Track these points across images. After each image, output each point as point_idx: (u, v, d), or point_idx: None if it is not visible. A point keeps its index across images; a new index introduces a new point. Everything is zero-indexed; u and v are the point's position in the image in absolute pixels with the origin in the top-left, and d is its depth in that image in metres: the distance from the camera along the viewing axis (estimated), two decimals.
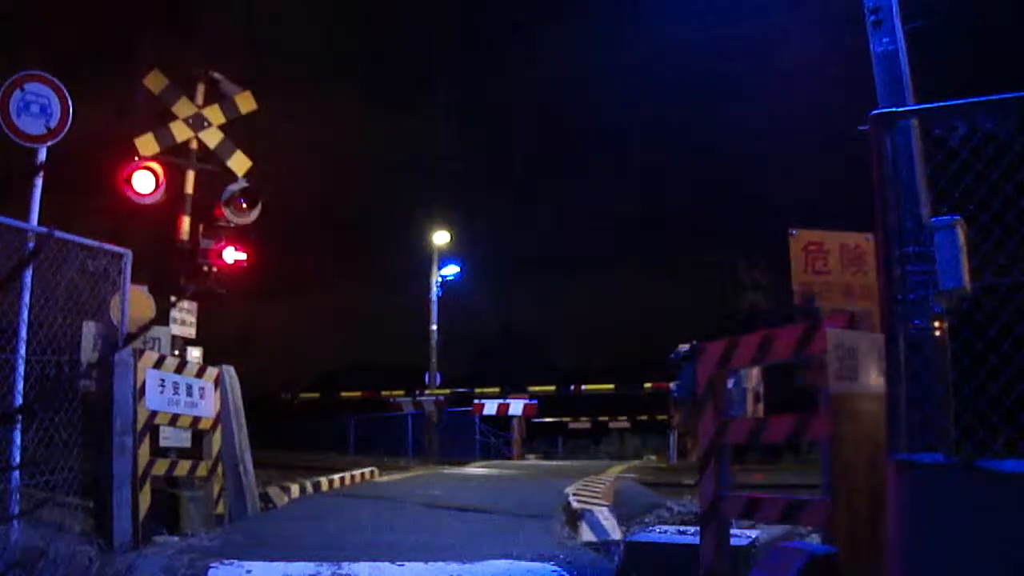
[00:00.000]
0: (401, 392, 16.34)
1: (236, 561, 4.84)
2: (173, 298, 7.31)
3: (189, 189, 8.06)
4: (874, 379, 3.29)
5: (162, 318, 7.24)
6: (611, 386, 13.72)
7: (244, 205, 7.92)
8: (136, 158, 7.56)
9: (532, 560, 5.06)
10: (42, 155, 5.48)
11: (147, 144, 7.77)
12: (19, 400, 4.86)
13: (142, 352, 5.95)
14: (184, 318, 7.58)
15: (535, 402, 14.66)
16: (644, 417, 21.97)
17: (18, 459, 4.74)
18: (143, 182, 7.36)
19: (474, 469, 15.02)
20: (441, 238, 23.82)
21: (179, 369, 6.31)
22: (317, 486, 9.29)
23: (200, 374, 6.56)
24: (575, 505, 6.73)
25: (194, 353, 7.58)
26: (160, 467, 5.87)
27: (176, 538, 5.66)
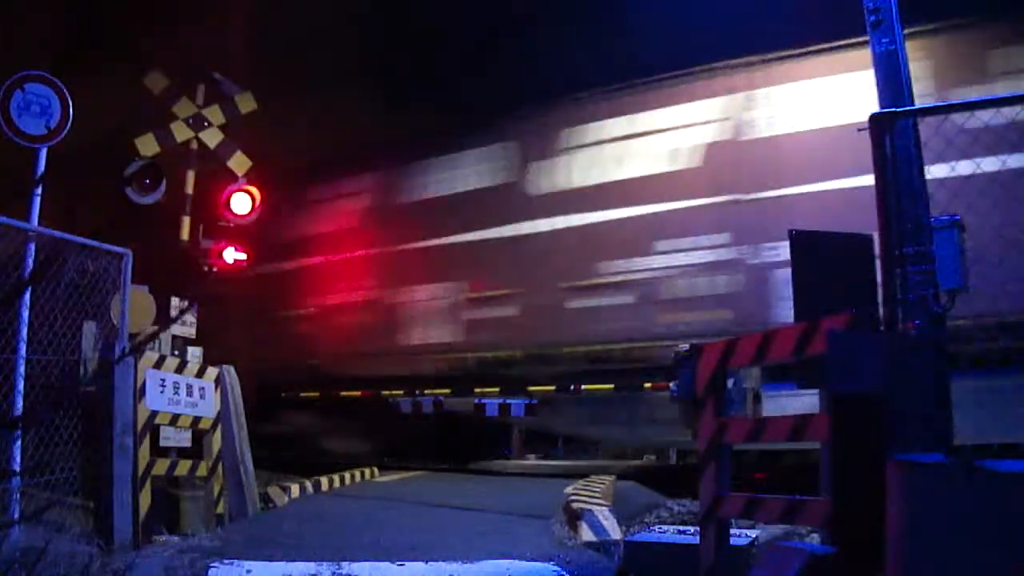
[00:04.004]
0: (401, 392, 16.32)
1: (236, 561, 4.85)
2: (175, 300, 7.33)
3: (189, 189, 8.07)
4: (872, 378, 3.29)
5: (162, 319, 7.26)
6: (611, 386, 13.75)
7: (148, 183, 7.87)
8: (136, 158, 7.59)
9: (532, 560, 5.07)
10: (42, 155, 5.49)
11: (147, 144, 7.78)
12: (20, 400, 4.86)
13: (142, 352, 5.95)
14: (184, 318, 7.58)
15: (535, 402, 14.68)
16: None
17: (19, 459, 4.74)
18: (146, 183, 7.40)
19: (474, 469, 15.02)
20: None
21: (179, 369, 6.31)
22: (317, 486, 9.28)
23: (200, 374, 6.57)
24: (575, 505, 6.72)
25: (194, 353, 7.59)
26: (160, 467, 5.88)
27: (176, 538, 5.66)
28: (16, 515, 4.42)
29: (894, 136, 3.76)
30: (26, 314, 5.02)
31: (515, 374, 11.91)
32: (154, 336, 6.38)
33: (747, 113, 9.57)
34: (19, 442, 4.79)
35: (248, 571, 4.64)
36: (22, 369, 4.91)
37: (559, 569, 4.85)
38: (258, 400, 8.77)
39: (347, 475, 10.49)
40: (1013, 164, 4.13)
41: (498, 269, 11.42)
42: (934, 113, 3.70)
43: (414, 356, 12.70)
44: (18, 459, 4.74)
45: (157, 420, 5.93)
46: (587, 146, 10.83)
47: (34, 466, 4.82)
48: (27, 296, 5.03)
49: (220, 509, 6.50)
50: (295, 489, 8.60)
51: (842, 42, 8.75)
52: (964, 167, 3.82)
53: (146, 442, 5.71)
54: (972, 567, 2.28)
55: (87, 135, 6.00)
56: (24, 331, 4.98)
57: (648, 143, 10.25)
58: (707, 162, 9.71)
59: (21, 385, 4.89)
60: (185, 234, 7.91)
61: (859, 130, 3.71)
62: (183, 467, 6.24)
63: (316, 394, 14.21)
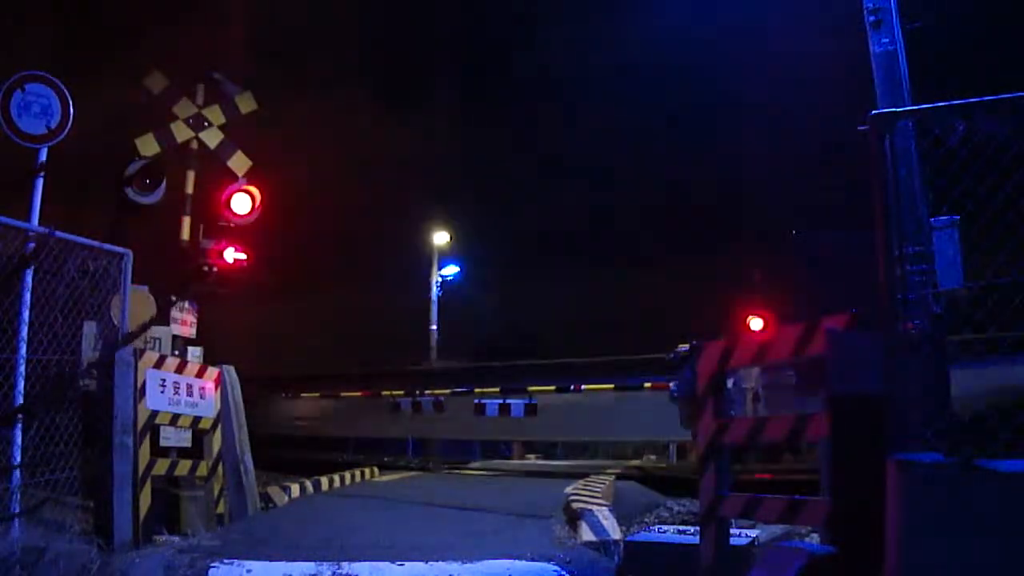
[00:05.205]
0: (401, 392, 16.39)
1: (236, 561, 4.85)
2: (175, 299, 7.34)
3: (189, 189, 8.07)
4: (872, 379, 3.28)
5: (162, 318, 7.27)
6: (611, 386, 13.81)
7: (148, 183, 7.83)
8: (136, 158, 7.59)
9: (532, 560, 5.06)
10: (43, 155, 5.49)
11: (147, 144, 7.78)
12: (20, 400, 4.86)
13: (142, 352, 5.95)
14: (184, 318, 7.58)
15: (535, 402, 14.74)
16: None
17: (19, 459, 4.74)
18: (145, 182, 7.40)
19: (474, 469, 15.03)
20: (441, 238, 23.87)
21: (179, 369, 6.31)
22: (317, 486, 9.29)
23: (200, 374, 6.56)
24: (575, 505, 6.73)
25: (194, 353, 7.59)
26: (161, 467, 5.87)
27: (176, 537, 5.66)
28: (16, 513, 4.42)
29: (894, 136, 3.76)
30: (26, 314, 5.01)
31: None
32: (146, 327, 6.36)
33: None
34: (19, 441, 4.80)
35: (248, 571, 4.64)
36: (22, 369, 4.91)
37: (559, 569, 4.85)
38: None
39: (347, 475, 10.50)
40: None
41: None
42: (934, 114, 3.70)
43: None
44: (18, 458, 4.74)
45: (157, 420, 5.92)
46: None
47: (34, 466, 4.82)
48: (27, 296, 5.03)
49: (220, 509, 6.50)
50: (295, 489, 8.60)
51: None
52: None
53: (146, 442, 5.70)
54: (972, 566, 2.28)
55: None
56: (24, 331, 4.98)
57: None
58: None
59: (21, 385, 4.89)
60: (185, 234, 7.92)
61: (859, 129, 3.70)
62: (183, 467, 6.23)
63: None
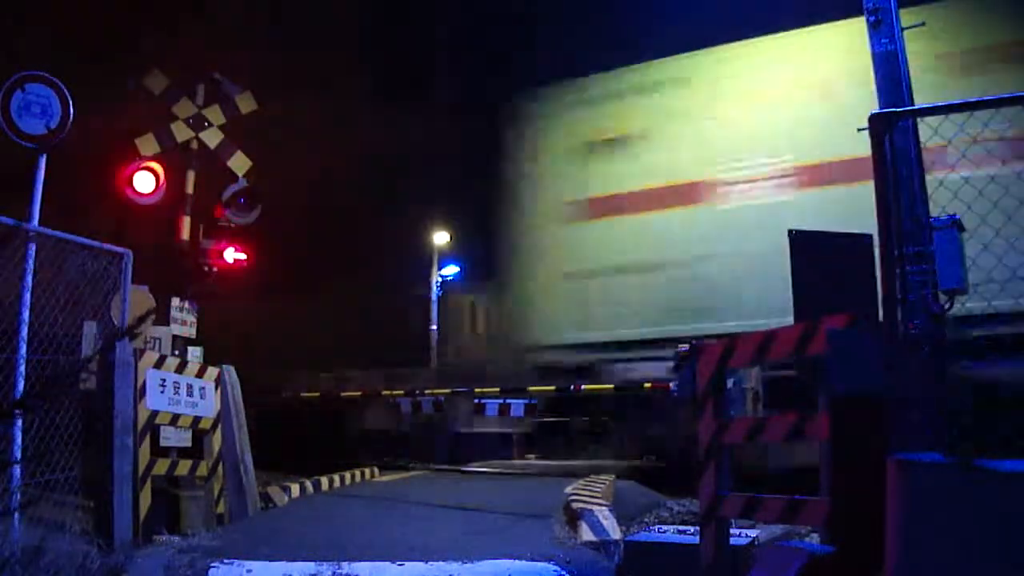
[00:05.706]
0: (401, 392, 16.40)
1: (236, 561, 4.85)
2: (176, 300, 7.34)
3: (189, 189, 8.07)
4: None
5: (162, 318, 7.27)
6: (611, 386, 13.82)
7: (245, 204, 7.95)
8: (137, 158, 7.58)
9: (532, 559, 5.07)
10: (42, 156, 5.48)
11: (147, 144, 7.78)
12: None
13: (142, 352, 5.95)
14: (184, 318, 7.59)
15: (535, 402, 14.75)
16: None
17: (19, 457, 4.73)
18: (144, 182, 7.39)
19: (474, 469, 15.04)
20: (441, 238, 23.90)
21: (180, 369, 6.31)
22: (317, 486, 9.29)
23: (201, 374, 6.57)
24: (575, 505, 6.72)
25: (194, 353, 7.59)
26: (161, 467, 5.88)
27: (176, 537, 5.66)
28: (15, 513, 4.42)
29: (894, 136, 3.76)
30: (26, 314, 5.01)
31: None
32: (145, 319, 6.35)
33: None
34: (19, 440, 4.80)
35: (248, 571, 4.64)
36: (22, 369, 4.91)
37: (559, 569, 4.85)
38: None
39: (347, 475, 10.49)
40: None
41: None
42: (934, 113, 3.70)
43: None
44: (18, 456, 4.74)
45: (157, 420, 5.93)
46: None
47: (35, 466, 4.82)
48: (27, 296, 5.03)
49: (220, 509, 6.50)
50: (295, 489, 8.60)
51: None
52: None
53: (146, 442, 5.71)
54: (972, 566, 2.28)
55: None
56: (24, 331, 4.98)
57: None
58: None
59: (21, 385, 4.89)
60: (185, 234, 7.92)
61: (859, 130, 3.70)
62: (183, 467, 6.24)
63: None
